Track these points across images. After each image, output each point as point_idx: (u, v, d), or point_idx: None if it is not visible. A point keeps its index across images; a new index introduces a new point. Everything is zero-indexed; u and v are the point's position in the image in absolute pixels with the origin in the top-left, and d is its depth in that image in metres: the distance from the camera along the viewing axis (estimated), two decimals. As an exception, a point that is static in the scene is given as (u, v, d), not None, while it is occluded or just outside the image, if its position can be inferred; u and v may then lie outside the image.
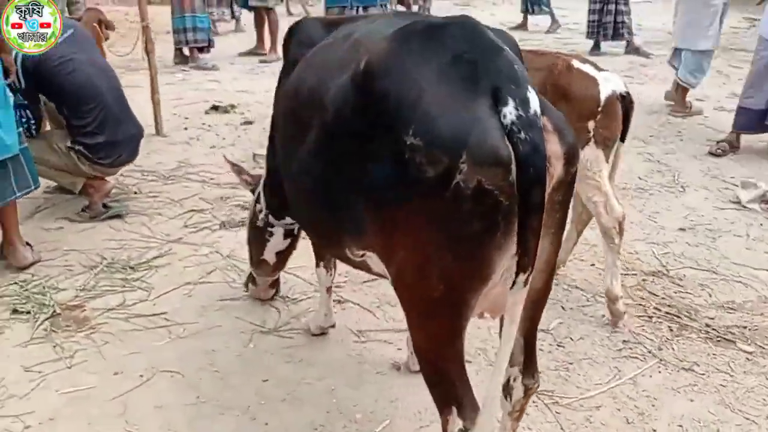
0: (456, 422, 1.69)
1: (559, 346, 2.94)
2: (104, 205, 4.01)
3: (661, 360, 2.86)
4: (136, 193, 4.40)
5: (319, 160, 1.87)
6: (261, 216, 2.90)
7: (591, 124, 2.98)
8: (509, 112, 1.44)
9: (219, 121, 5.99)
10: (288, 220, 2.85)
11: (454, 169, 1.44)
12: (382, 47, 1.68)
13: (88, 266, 3.49)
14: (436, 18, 1.77)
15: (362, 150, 1.66)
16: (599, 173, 3.03)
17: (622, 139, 3.08)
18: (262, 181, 2.90)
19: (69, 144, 3.81)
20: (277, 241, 2.93)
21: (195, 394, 2.60)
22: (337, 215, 1.86)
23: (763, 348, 2.96)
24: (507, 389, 1.90)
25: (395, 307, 3.21)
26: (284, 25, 9.34)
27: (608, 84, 3.01)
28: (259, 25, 9.02)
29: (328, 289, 2.94)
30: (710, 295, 3.38)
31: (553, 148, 1.54)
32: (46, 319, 3.02)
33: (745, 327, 3.11)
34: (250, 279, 3.19)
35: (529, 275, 1.51)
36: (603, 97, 2.98)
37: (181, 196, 4.38)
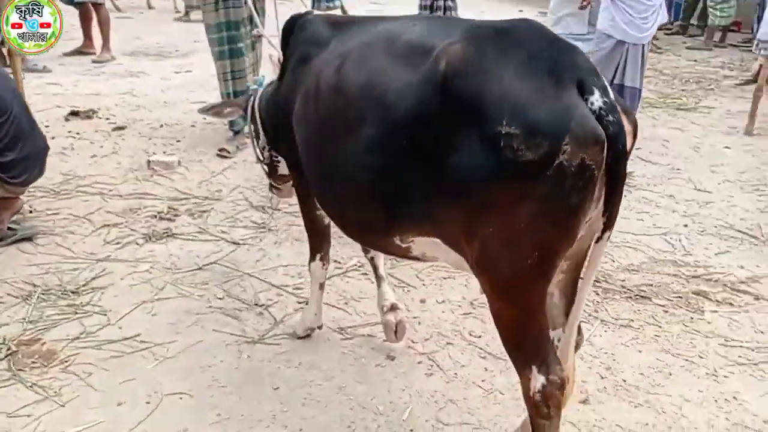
0: (538, 378, 1.92)
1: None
2: (9, 228, 3.62)
3: (602, 321, 3.32)
4: (31, 212, 4.00)
5: (378, 154, 1.99)
6: (266, 154, 2.99)
7: None
8: (596, 99, 1.72)
9: (85, 128, 5.54)
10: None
11: (557, 151, 1.67)
12: (458, 49, 1.86)
13: (19, 296, 3.18)
14: (495, 21, 1.99)
15: (441, 142, 1.83)
16: None
17: None
18: (252, 106, 2.98)
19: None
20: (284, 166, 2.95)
21: (214, 412, 2.55)
22: (395, 205, 2.01)
23: (671, 300, 3.54)
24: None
25: (360, 302, 3.36)
26: (117, 24, 8.91)
27: None
28: (85, 21, 8.34)
29: (321, 286, 2.98)
30: (613, 261, 3.94)
31: (627, 126, 1.84)
32: (3, 358, 2.73)
33: (650, 285, 3.69)
34: (272, 187, 3.27)
35: (611, 231, 1.83)
36: None
37: (85, 211, 4.07)
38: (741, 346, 3.14)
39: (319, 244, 2.90)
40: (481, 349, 3.00)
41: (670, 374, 2.95)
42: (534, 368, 1.92)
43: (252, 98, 3.04)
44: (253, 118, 2.98)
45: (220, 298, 3.29)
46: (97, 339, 2.90)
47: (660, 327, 3.29)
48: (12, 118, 3.44)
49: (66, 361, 2.75)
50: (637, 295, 3.56)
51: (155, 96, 6.60)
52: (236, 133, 5.26)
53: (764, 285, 3.66)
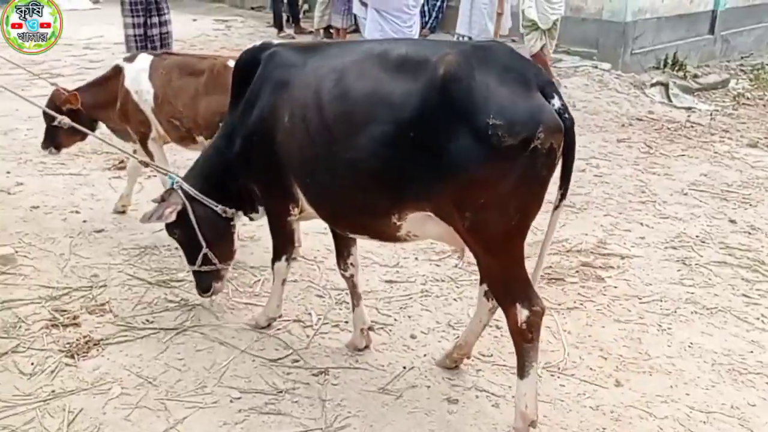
0: (523, 312, 2.52)
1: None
2: None
3: (549, 309, 3.78)
4: None
5: (388, 146, 2.47)
6: (227, 214, 3.26)
7: None
8: (556, 101, 2.40)
9: None
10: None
11: (533, 138, 2.30)
12: (453, 59, 2.42)
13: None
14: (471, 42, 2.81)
15: (440, 133, 2.37)
16: None
17: None
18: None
19: None
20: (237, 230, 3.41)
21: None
22: (399, 188, 2.52)
23: (577, 276, 4.18)
24: (487, 295, 2.90)
25: (304, 297, 3.60)
26: None
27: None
28: None
29: (284, 281, 3.32)
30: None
31: None
32: None
33: (549, 266, 4.27)
34: (212, 279, 3.34)
35: (565, 199, 2.56)
36: None
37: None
38: (651, 300, 3.90)
39: (288, 246, 3.25)
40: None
41: (640, 339, 3.54)
42: (518, 305, 2.53)
43: (176, 187, 3.26)
44: (195, 202, 3.20)
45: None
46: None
47: (593, 302, 3.88)
48: None
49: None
50: (551, 278, 4.11)
51: None
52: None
53: (612, 245, 4.53)
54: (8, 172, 5.07)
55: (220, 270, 3.32)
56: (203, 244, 3.21)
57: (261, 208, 3.26)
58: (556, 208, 2.56)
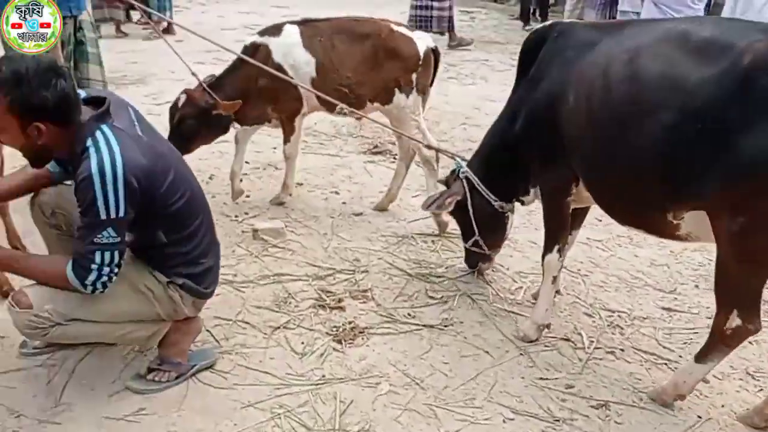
0: (736, 320, 2.41)
1: None
2: (183, 356, 2.79)
3: None
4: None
5: (672, 136, 2.31)
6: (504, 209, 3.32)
7: (413, 76, 3.94)
8: None
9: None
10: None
11: None
12: (763, 48, 2.16)
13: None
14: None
15: (733, 129, 2.17)
16: (419, 115, 4.03)
17: (431, 84, 4.11)
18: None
19: (167, 279, 2.50)
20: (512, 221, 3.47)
21: None
22: (679, 182, 2.34)
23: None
24: None
25: (571, 314, 2.89)
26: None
27: (422, 41, 3.97)
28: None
29: (555, 279, 3.11)
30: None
31: None
32: None
33: None
34: (479, 259, 3.54)
35: None
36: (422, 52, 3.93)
37: (231, 314, 3.22)
38: None
39: (562, 234, 3.05)
40: None
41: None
42: (736, 311, 2.40)
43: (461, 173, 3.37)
44: (475, 191, 3.30)
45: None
46: None
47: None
48: (204, 215, 2.59)
49: None
50: None
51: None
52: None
53: None
54: (274, 149, 5.29)
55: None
56: (476, 231, 3.37)
57: (532, 192, 3.21)
58: None
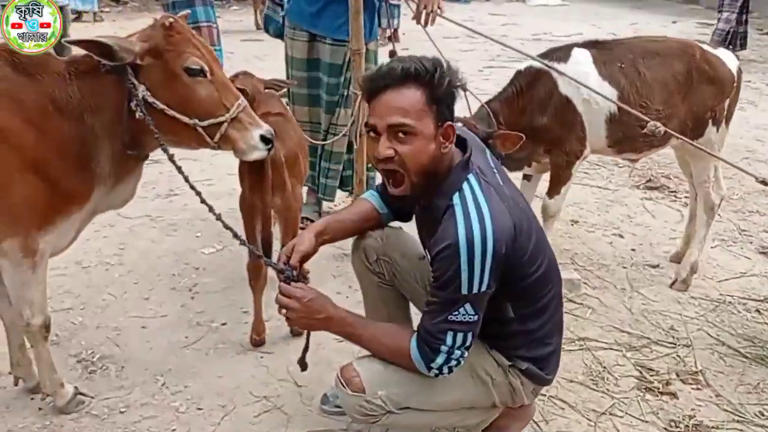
0: None
1: None
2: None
3: None
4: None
5: None
6: None
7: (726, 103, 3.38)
8: None
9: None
10: None
11: None
12: None
13: None
14: None
15: None
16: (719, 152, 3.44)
17: None
18: None
19: (509, 363, 2.09)
20: None
21: None
22: None
23: None
24: None
25: None
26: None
27: (732, 61, 3.40)
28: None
29: None
30: None
31: None
32: None
33: None
34: None
35: None
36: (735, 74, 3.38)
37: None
38: None
39: None
40: None
41: None
42: None
43: None
44: None
45: None
46: None
47: None
48: (555, 288, 2.14)
49: None
50: None
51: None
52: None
53: None
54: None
55: None
56: None
57: None
58: None
